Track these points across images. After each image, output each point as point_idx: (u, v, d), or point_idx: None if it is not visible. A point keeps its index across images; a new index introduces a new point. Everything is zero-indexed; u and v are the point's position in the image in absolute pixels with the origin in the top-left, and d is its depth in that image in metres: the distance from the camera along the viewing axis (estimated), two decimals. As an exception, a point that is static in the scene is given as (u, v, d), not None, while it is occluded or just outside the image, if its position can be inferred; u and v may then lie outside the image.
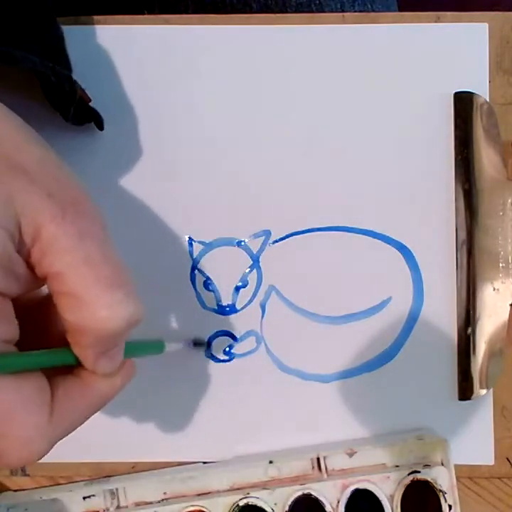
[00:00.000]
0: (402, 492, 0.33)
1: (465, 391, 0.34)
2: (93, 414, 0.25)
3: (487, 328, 0.34)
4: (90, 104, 0.33)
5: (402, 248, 0.35)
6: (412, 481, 0.33)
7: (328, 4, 0.43)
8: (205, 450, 0.35)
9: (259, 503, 0.33)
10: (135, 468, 0.36)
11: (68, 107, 0.31)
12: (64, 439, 0.35)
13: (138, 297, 0.23)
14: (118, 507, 0.34)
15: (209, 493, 0.35)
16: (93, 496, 0.35)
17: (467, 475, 0.35)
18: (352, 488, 0.33)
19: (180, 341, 0.34)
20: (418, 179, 0.35)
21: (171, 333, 0.35)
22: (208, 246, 0.35)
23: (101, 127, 0.34)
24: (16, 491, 0.36)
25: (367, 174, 0.35)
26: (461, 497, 0.33)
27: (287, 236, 0.35)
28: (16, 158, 0.22)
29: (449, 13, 0.34)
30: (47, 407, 0.22)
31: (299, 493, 0.33)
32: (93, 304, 0.22)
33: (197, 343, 0.35)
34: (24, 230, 0.21)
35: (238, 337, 0.35)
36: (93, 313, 0.22)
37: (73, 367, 0.24)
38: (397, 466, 0.34)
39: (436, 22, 0.34)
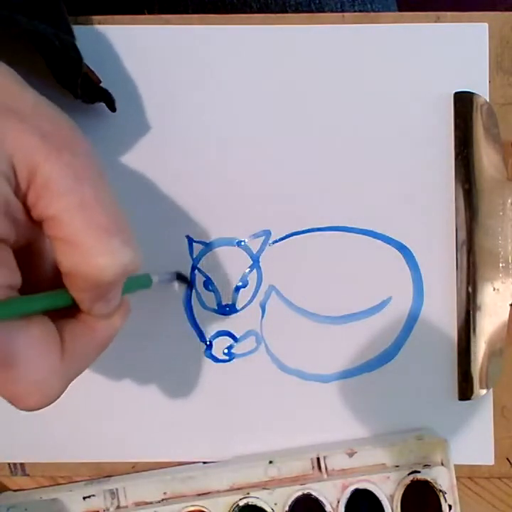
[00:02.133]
0: (402, 492, 0.33)
1: (465, 391, 0.34)
2: (100, 353, 0.25)
3: (487, 328, 0.34)
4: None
5: (402, 248, 0.35)
6: (412, 481, 0.33)
7: (327, 4, 0.43)
8: (205, 450, 0.35)
9: (259, 503, 0.33)
10: (135, 468, 0.36)
11: (75, 79, 0.31)
12: (64, 439, 0.36)
13: (135, 244, 0.22)
14: (118, 507, 0.35)
15: (209, 493, 0.35)
16: (93, 496, 0.35)
17: (467, 475, 0.35)
18: (352, 488, 0.33)
19: (165, 274, 0.33)
20: (418, 179, 0.35)
21: (171, 332, 0.35)
22: (208, 246, 0.35)
23: (113, 108, 0.33)
24: (16, 491, 0.36)
25: (367, 174, 0.35)
26: (461, 497, 0.33)
27: (287, 236, 0.35)
28: (8, 103, 0.22)
29: (449, 13, 0.34)
30: (57, 348, 0.22)
31: (299, 493, 0.33)
32: (88, 251, 0.21)
33: (180, 277, 0.34)
34: (19, 171, 0.21)
35: (238, 337, 0.35)
36: (88, 261, 0.21)
37: (75, 312, 0.24)
38: (397, 466, 0.34)
39: (436, 22, 0.34)
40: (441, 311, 0.35)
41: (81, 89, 0.31)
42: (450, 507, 0.33)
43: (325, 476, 0.34)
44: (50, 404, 0.22)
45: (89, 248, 0.21)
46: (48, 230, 0.22)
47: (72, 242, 0.21)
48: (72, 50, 0.30)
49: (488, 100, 0.34)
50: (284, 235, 0.35)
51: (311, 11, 0.43)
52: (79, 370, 0.24)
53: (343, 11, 0.43)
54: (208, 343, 0.35)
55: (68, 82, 0.31)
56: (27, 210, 0.22)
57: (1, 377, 0.21)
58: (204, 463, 0.35)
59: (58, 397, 0.22)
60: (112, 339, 0.25)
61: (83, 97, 0.32)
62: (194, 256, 0.35)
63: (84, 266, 0.21)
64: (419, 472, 0.33)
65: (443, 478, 0.33)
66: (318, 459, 0.34)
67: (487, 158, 0.34)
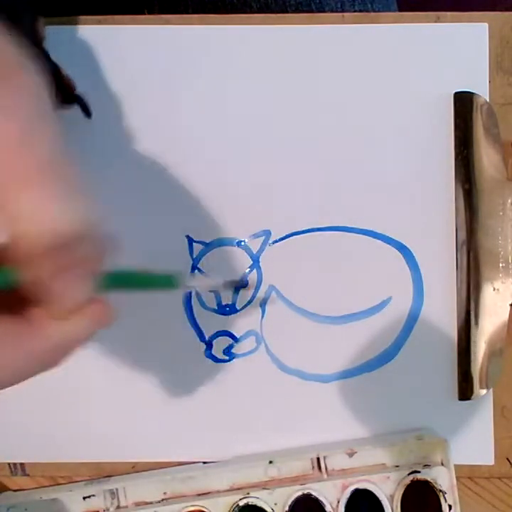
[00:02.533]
0: (402, 492, 0.33)
1: (465, 391, 0.34)
2: (36, 369, 0.19)
3: (487, 328, 0.34)
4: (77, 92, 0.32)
5: (402, 248, 0.35)
6: (412, 481, 0.33)
7: (328, 3, 0.43)
8: (205, 450, 0.35)
9: (259, 503, 0.33)
10: (135, 468, 0.36)
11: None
12: (64, 439, 0.36)
13: (88, 196, 0.19)
14: (118, 507, 0.35)
15: (209, 493, 0.35)
16: (93, 496, 0.35)
17: (467, 475, 0.35)
18: (352, 488, 0.33)
19: (212, 279, 0.31)
20: (418, 179, 0.35)
21: (171, 332, 0.35)
22: (208, 246, 0.35)
23: (88, 114, 0.32)
24: (16, 491, 0.36)
25: (367, 174, 0.35)
26: (461, 497, 0.33)
27: (287, 236, 0.35)
28: None
29: (449, 13, 0.34)
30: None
31: (299, 493, 0.33)
32: (26, 200, 0.17)
33: (228, 284, 0.32)
34: None
35: (238, 337, 0.35)
36: (23, 213, 0.17)
37: (21, 307, 0.19)
38: (397, 466, 0.34)
39: (436, 22, 0.34)
40: (441, 311, 0.35)
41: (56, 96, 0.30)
42: (450, 507, 0.33)
43: (325, 476, 0.34)
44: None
45: (27, 196, 0.17)
46: None
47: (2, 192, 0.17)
48: (48, 61, 0.28)
49: (488, 100, 0.34)
50: (284, 235, 0.35)
51: (312, 11, 0.43)
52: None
53: (343, 10, 0.43)
54: (207, 343, 0.35)
55: None
56: None
57: None
58: (204, 463, 0.35)
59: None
60: (63, 353, 0.20)
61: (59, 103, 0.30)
62: (194, 256, 0.35)
63: (33, 220, 0.17)
64: (419, 472, 0.33)
65: (443, 478, 0.33)
66: (318, 459, 0.34)
67: (487, 158, 0.34)
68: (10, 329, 0.19)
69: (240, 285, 0.34)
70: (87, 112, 0.33)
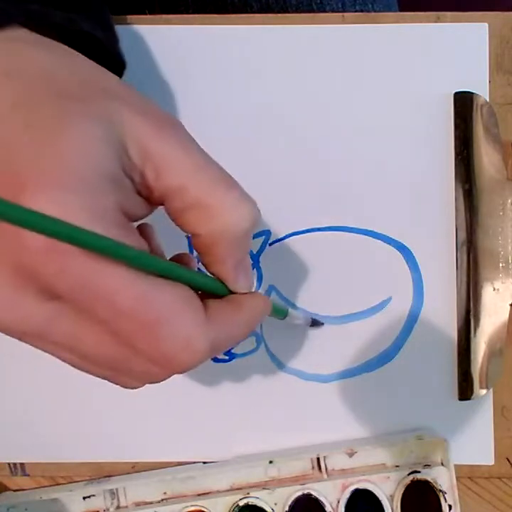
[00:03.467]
0: (402, 492, 0.33)
1: (465, 391, 0.34)
2: (246, 333, 0.25)
3: (487, 328, 0.34)
4: None
5: (402, 248, 0.35)
6: (412, 481, 0.33)
7: (328, 3, 0.43)
8: (205, 450, 0.35)
9: (259, 503, 0.33)
10: (135, 468, 0.36)
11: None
12: (64, 439, 0.36)
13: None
14: (118, 507, 0.34)
15: (209, 493, 0.35)
16: (93, 496, 0.35)
17: (467, 475, 0.35)
18: (352, 488, 0.33)
19: (301, 317, 0.34)
20: (418, 179, 0.35)
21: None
22: (208, 246, 0.35)
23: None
24: (16, 491, 0.36)
25: (367, 174, 0.35)
26: (461, 497, 0.33)
27: (287, 236, 0.35)
28: (104, 85, 0.22)
29: (449, 13, 0.34)
30: (201, 310, 0.22)
31: (299, 493, 0.33)
32: (221, 207, 0.22)
33: (315, 324, 0.34)
34: (131, 150, 0.21)
35: (238, 337, 0.35)
36: (224, 216, 0.22)
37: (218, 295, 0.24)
38: (397, 466, 0.34)
39: (436, 22, 0.34)
40: (441, 311, 0.35)
41: None
42: (450, 507, 0.33)
43: (325, 476, 0.34)
44: (198, 363, 0.22)
45: (220, 204, 0.22)
46: (175, 203, 0.22)
47: (203, 203, 0.22)
48: (119, 56, 0.29)
49: (488, 100, 0.34)
50: (284, 235, 0.35)
51: (312, 11, 0.43)
52: (224, 343, 0.23)
53: (344, 10, 0.43)
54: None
55: None
56: (145, 190, 0.22)
57: (150, 335, 0.20)
58: (204, 463, 0.35)
59: (205, 357, 0.22)
60: (257, 321, 0.25)
61: None
62: (194, 256, 0.35)
63: (221, 223, 0.22)
64: (419, 472, 0.33)
65: (443, 478, 0.33)
66: (318, 459, 0.34)
67: (487, 158, 0.34)
68: (225, 305, 0.24)
69: (316, 324, 0.35)
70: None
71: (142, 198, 0.22)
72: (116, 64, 0.29)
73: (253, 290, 0.25)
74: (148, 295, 0.20)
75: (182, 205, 0.22)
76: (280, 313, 0.31)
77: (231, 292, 0.24)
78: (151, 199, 0.22)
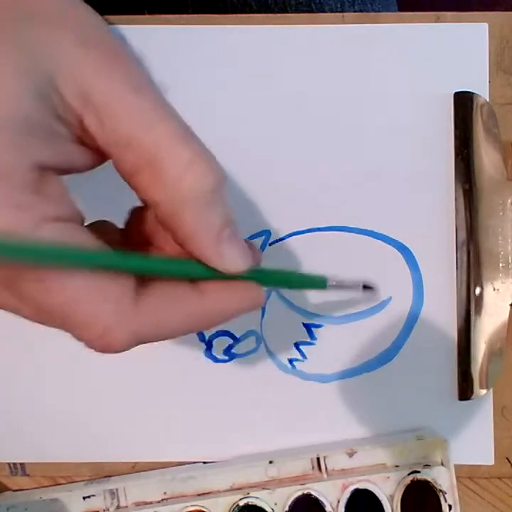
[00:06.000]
0: (402, 492, 0.33)
1: (465, 391, 0.34)
2: (191, 328, 0.22)
3: (487, 328, 0.34)
4: None
5: (402, 248, 0.35)
6: (412, 481, 0.33)
7: (328, 3, 0.43)
8: (205, 450, 0.35)
9: (259, 503, 0.33)
10: (135, 468, 0.36)
11: None
12: (64, 439, 0.36)
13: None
14: (118, 507, 0.34)
15: (209, 493, 0.35)
16: (93, 496, 0.35)
17: (467, 475, 0.35)
18: (352, 488, 0.33)
19: (348, 282, 0.30)
20: (418, 179, 0.35)
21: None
22: (208, 246, 0.35)
23: None
24: (15, 491, 0.36)
25: (366, 174, 0.35)
26: (461, 497, 0.33)
27: (287, 236, 0.35)
28: (32, 6, 0.18)
29: (449, 13, 0.34)
30: (124, 298, 0.19)
31: (299, 493, 0.33)
32: (179, 165, 0.19)
33: (366, 287, 0.31)
34: (66, 91, 0.17)
35: (238, 337, 0.35)
36: (183, 177, 0.19)
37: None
38: (397, 466, 0.34)
39: (436, 22, 0.34)
40: (441, 311, 0.35)
41: None
42: (450, 507, 0.33)
43: (325, 476, 0.34)
44: (122, 349, 0.20)
45: (178, 160, 0.19)
46: (124, 156, 0.19)
47: (157, 160, 0.18)
48: None
49: (488, 100, 0.34)
50: (284, 235, 0.35)
51: (312, 11, 0.43)
52: (155, 330, 0.21)
53: (343, 10, 0.43)
54: (207, 342, 0.35)
55: None
56: (83, 137, 0.19)
57: (67, 322, 0.19)
58: (204, 463, 0.35)
59: (126, 347, 0.20)
60: (228, 315, 0.22)
61: None
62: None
63: (181, 184, 0.19)
64: (419, 472, 0.33)
65: (443, 478, 0.33)
66: (318, 459, 0.34)
67: (487, 158, 0.34)
68: (172, 291, 0.20)
69: (370, 287, 0.31)
70: None
71: (83, 148, 0.19)
72: None
73: (246, 264, 0.21)
74: (55, 283, 0.18)
75: (133, 161, 0.19)
76: (319, 284, 0.27)
77: (219, 275, 0.20)
78: (95, 150, 0.19)
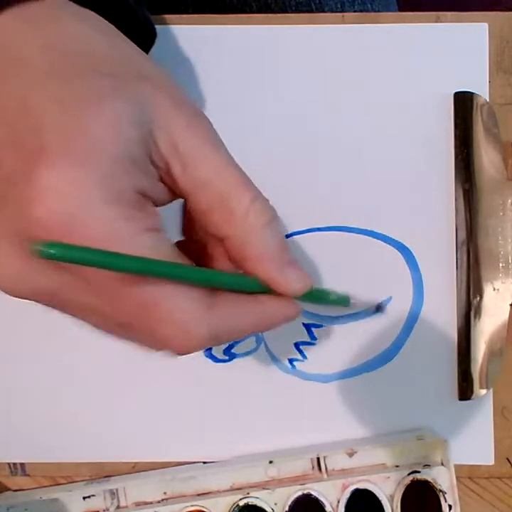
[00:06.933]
0: (402, 492, 0.33)
1: (465, 391, 0.34)
2: (253, 331, 0.25)
3: (487, 328, 0.34)
4: None
5: (402, 248, 0.35)
6: (412, 481, 0.33)
7: (328, 3, 0.43)
8: (205, 450, 0.35)
9: (259, 503, 0.33)
10: (135, 468, 0.36)
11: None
12: (64, 439, 0.36)
13: None
14: (118, 507, 0.35)
15: (209, 493, 0.35)
16: (93, 496, 0.35)
17: (467, 475, 0.35)
18: (352, 488, 0.33)
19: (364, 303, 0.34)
20: (418, 179, 0.35)
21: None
22: (208, 246, 0.35)
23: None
24: (15, 491, 0.36)
25: (367, 174, 0.35)
26: (461, 497, 0.33)
27: (287, 236, 0.35)
28: (139, 69, 0.22)
29: (449, 13, 0.34)
30: (203, 298, 0.22)
31: (299, 493, 0.33)
32: (245, 206, 0.22)
33: (379, 309, 0.35)
34: (159, 139, 0.21)
35: (238, 337, 0.35)
36: (248, 215, 0.22)
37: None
38: (397, 466, 0.34)
39: (436, 22, 0.34)
40: (441, 311, 0.35)
41: None
42: (450, 507, 0.33)
43: (325, 476, 0.34)
44: (197, 348, 0.22)
45: (244, 201, 0.22)
46: (199, 197, 0.22)
47: (227, 202, 0.22)
48: (150, 23, 0.29)
49: (488, 100, 0.34)
50: (284, 235, 0.35)
51: (312, 11, 0.43)
52: (229, 330, 0.23)
53: (343, 10, 0.43)
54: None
55: None
56: (166, 178, 0.22)
57: (148, 318, 0.21)
58: (204, 463, 0.35)
59: (204, 345, 0.22)
60: (275, 323, 0.25)
61: None
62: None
63: (248, 220, 0.22)
64: (419, 472, 0.33)
65: (443, 478, 0.33)
66: (318, 459, 0.34)
67: (487, 158, 0.34)
68: (240, 300, 0.23)
69: (380, 309, 0.35)
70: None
71: (165, 186, 0.22)
72: (147, 33, 0.29)
73: (307, 286, 0.24)
74: (144, 280, 0.21)
75: (206, 202, 0.22)
76: (343, 302, 0.31)
77: (262, 290, 0.24)
78: (174, 189, 0.23)
